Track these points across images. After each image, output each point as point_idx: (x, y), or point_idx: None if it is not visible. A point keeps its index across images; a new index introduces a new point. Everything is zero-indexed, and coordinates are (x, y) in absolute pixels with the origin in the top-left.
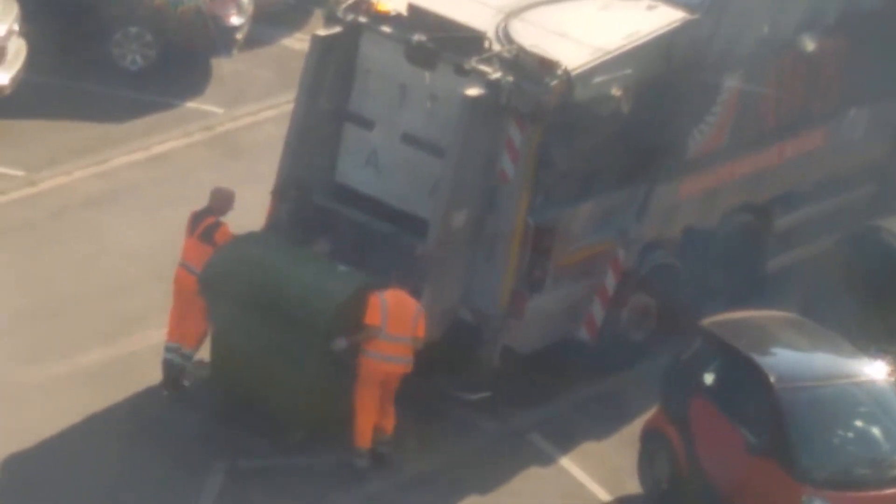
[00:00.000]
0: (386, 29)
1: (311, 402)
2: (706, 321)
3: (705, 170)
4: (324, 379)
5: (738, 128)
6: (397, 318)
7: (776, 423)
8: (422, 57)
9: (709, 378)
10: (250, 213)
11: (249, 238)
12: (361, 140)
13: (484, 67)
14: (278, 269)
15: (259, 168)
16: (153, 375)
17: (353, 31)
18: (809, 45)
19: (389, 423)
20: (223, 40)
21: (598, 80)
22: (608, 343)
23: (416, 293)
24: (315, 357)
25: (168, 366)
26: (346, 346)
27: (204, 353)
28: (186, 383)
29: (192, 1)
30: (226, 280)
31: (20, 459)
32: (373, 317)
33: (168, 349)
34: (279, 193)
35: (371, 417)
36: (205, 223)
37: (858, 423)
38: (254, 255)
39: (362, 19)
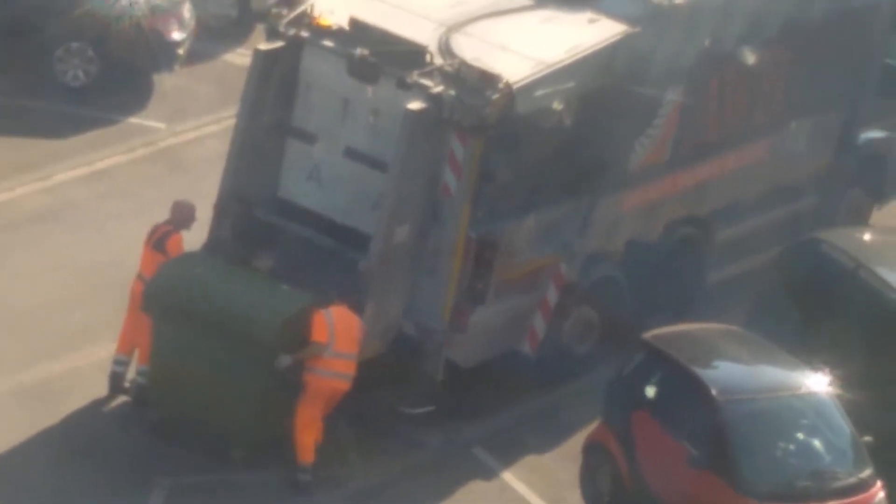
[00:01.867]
0: (328, 43)
1: (254, 419)
2: (648, 334)
3: (647, 182)
4: (267, 396)
5: (680, 140)
6: (344, 334)
7: (718, 437)
8: (364, 71)
9: (651, 391)
10: (194, 228)
11: (192, 257)
12: (304, 155)
13: (426, 81)
14: (222, 286)
15: (202, 183)
16: (97, 391)
17: (295, 45)
18: (751, 57)
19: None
20: (165, 55)
21: (539, 93)
22: (550, 356)
23: (358, 308)
24: (259, 373)
25: (114, 378)
26: (290, 363)
27: None
28: (127, 385)
29: (133, 16)
30: (169, 295)
31: None
32: (319, 334)
33: (116, 361)
34: (221, 208)
35: (314, 433)
36: (159, 232)
37: (800, 436)
38: (197, 273)
39: (304, 34)
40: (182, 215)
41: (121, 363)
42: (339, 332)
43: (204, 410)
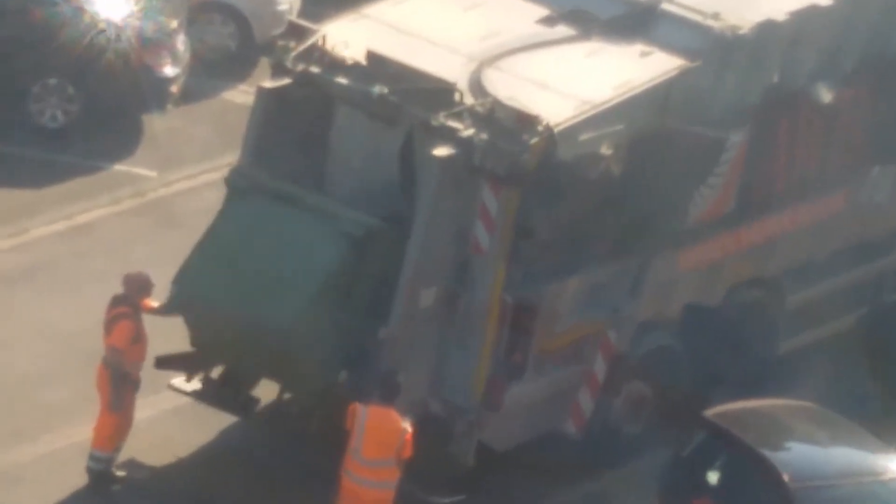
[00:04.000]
0: (342, 80)
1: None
2: (710, 411)
3: (708, 239)
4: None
5: (746, 190)
6: (374, 437)
7: None
8: (384, 112)
9: (713, 476)
10: None
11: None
12: None
13: (454, 123)
14: None
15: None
16: (78, 478)
17: (305, 82)
18: (826, 95)
19: None
20: (156, 93)
21: (584, 137)
22: (598, 437)
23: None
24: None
25: (97, 476)
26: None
27: (134, 452)
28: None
29: (119, 49)
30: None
31: None
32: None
33: (91, 457)
34: None
35: None
36: (112, 313)
37: None
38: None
39: (315, 69)
40: (134, 289)
41: (95, 459)
42: (369, 434)
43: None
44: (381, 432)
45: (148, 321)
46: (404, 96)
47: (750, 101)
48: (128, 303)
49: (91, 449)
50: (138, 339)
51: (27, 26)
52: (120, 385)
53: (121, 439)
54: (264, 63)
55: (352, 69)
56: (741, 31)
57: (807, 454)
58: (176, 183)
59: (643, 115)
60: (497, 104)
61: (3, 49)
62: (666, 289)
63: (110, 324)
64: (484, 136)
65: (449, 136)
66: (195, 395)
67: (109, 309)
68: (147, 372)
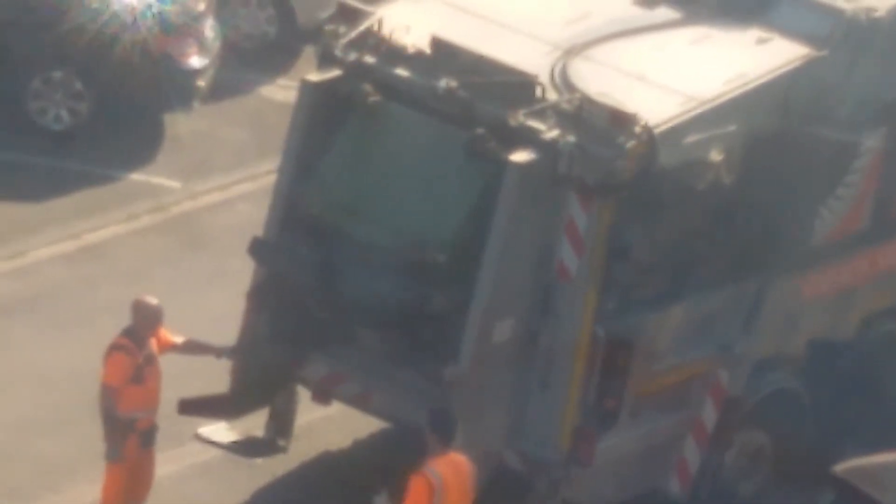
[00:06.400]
0: (402, 72)
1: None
2: (841, 467)
3: (838, 261)
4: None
5: (882, 204)
6: (456, 492)
7: None
8: (451, 108)
9: None
10: (218, 322)
11: None
12: None
13: (536, 123)
14: None
15: (229, 262)
16: None
17: (358, 74)
18: None
19: None
20: (180, 89)
21: (690, 139)
22: (707, 497)
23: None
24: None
25: None
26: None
27: None
28: None
29: (137, 36)
30: None
31: None
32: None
33: None
34: (258, 297)
35: None
36: (110, 345)
37: None
38: None
39: (369, 59)
40: (140, 319)
41: None
42: (451, 492)
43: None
44: (461, 481)
45: (168, 361)
46: (476, 91)
47: (888, 98)
48: (130, 335)
49: None
50: (139, 379)
51: (25, 9)
52: (113, 430)
53: (136, 500)
54: (309, 52)
55: (414, 59)
56: (878, 15)
57: None
58: (203, 195)
59: (760, 115)
60: (586, 101)
61: None
62: (787, 321)
63: (105, 357)
64: (571, 138)
65: (529, 138)
66: (227, 447)
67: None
68: (171, 419)
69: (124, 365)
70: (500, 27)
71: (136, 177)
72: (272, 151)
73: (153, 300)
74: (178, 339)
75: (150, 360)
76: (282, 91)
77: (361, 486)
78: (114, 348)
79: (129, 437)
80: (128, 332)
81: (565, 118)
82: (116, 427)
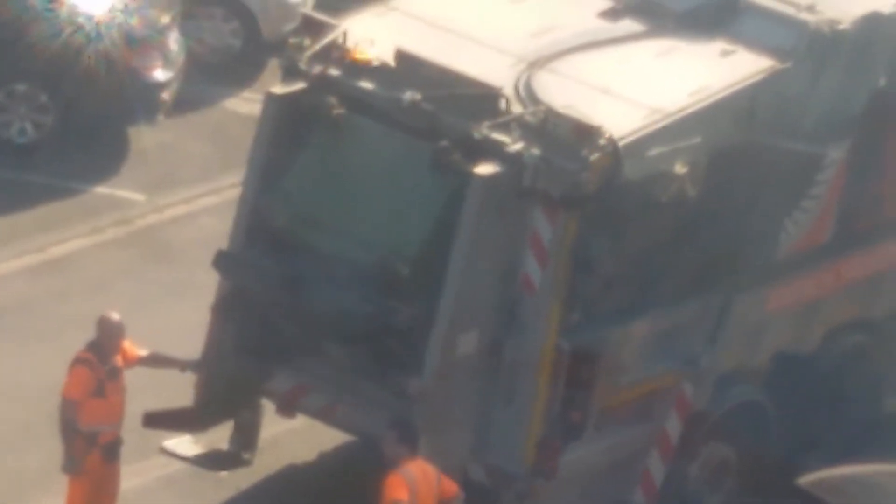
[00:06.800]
0: (366, 85)
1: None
2: (806, 479)
3: (802, 274)
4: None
5: (847, 216)
6: (426, 496)
7: None
8: (416, 122)
9: None
10: (184, 335)
11: None
12: None
13: (500, 136)
14: None
15: (195, 275)
16: None
17: (322, 87)
18: None
19: None
20: (144, 102)
21: (654, 152)
22: None
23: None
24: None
25: None
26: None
27: None
28: None
29: (101, 49)
30: None
31: None
32: (399, 492)
33: None
34: (223, 310)
35: None
36: (74, 358)
37: None
38: None
39: (334, 72)
40: (103, 336)
41: None
42: (422, 495)
43: None
44: (430, 484)
45: (133, 375)
46: (440, 104)
47: (851, 110)
48: (93, 349)
49: None
50: (101, 393)
51: None
52: (71, 443)
53: None
54: (274, 65)
55: (378, 72)
56: (841, 27)
57: None
58: (168, 208)
59: (724, 127)
60: (551, 113)
61: None
62: (751, 334)
63: (68, 370)
64: (536, 151)
65: (494, 150)
66: (192, 460)
67: None
68: (136, 432)
69: (86, 378)
70: (464, 39)
71: (101, 190)
72: (237, 164)
73: (115, 316)
74: (143, 353)
75: (113, 375)
76: (246, 104)
77: (327, 500)
78: (76, 362)
79: (91, 451)
80: (91, 346)
81: (530, 131)
82: (75, 440)
